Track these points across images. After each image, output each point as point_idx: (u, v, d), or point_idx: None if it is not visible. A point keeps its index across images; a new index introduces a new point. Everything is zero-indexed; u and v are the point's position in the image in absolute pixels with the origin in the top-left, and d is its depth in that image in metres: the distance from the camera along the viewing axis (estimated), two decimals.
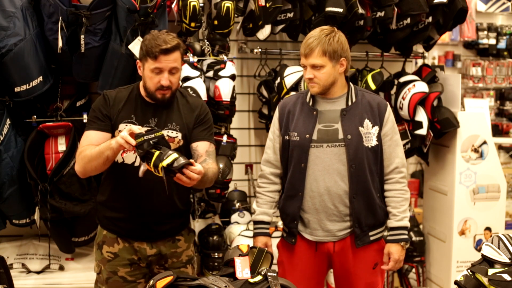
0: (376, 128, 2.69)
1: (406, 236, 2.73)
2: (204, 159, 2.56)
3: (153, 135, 2.26)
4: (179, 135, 2.58)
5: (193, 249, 2.79)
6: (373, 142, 2.68)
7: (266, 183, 2.82)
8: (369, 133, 2.67)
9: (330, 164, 2.66)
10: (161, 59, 2.46)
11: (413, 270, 4.12)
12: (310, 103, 2.72)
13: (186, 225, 2.77)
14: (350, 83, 2.73)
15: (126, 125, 2.53)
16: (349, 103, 2.70)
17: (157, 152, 2.23)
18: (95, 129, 2.54)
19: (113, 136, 2.53)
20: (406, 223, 2.73)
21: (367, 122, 2.68)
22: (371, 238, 2.74)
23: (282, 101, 2.87)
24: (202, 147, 2.60)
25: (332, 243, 2.72)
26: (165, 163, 2.20)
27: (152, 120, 2.58)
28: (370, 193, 2.69)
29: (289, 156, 2.73)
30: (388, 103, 2.81)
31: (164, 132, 2.45)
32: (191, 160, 2.28)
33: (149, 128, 2.36)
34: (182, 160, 2.22)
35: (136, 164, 2.53)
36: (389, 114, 2.73)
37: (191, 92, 3.42)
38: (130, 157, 2.56)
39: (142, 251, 2.64)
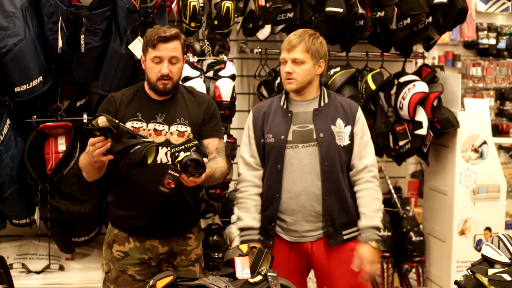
0: (349, 127, 2.72)
1: (377, 237, 2.68)
2: (214, 157, 2.60)
3: (183, 146, 2.34)
4: (188, 129, 2.60)
5: (201, 248, 2.80)
6: (346, 141, 2.70)
7: (248, 186, 2.76)
8: (341, 132, 2.70)
9: (306, 164, 2.67)
10: (160, 47, 2.49)
11: (413, 270, 4.11)
12: (285, 106, 2.75)
13: (196, 222, 2.79)
14: (323, 87, 2.78)
15: (133, 123, 2.54)
16: (322, 104, 2.73)
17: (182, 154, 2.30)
18: None
19: None
20: (376, 222, 2.68)
21: (339, 121, 2.71)
22: (345, 237, 2.72)
23: (256, 105, 2.88)
24: (212, 144, 2.64)
25: (309, 243, 2.72)
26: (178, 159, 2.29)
27: (159, 116, 2.58)
28: (342, 192, 2.69)
29: (265, 158, 2.74)
30: (359, 105, 2.84)
31: (173, 127, 2.51)
32: (204, 160, 2.31)
33: (184, 140, 2.42)
34: (193, 156, 2.28)
35: None
36: (360, 114, 2.76)
37: None
38: None
39: (154, 249, 2.65)
